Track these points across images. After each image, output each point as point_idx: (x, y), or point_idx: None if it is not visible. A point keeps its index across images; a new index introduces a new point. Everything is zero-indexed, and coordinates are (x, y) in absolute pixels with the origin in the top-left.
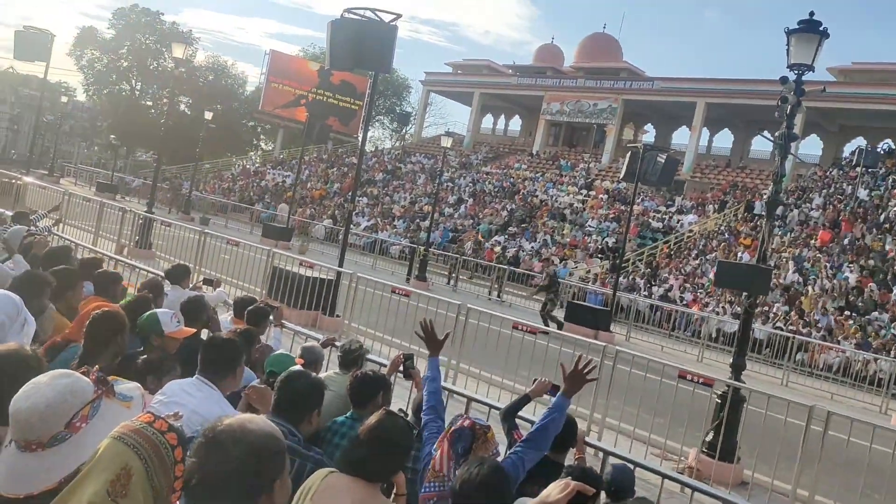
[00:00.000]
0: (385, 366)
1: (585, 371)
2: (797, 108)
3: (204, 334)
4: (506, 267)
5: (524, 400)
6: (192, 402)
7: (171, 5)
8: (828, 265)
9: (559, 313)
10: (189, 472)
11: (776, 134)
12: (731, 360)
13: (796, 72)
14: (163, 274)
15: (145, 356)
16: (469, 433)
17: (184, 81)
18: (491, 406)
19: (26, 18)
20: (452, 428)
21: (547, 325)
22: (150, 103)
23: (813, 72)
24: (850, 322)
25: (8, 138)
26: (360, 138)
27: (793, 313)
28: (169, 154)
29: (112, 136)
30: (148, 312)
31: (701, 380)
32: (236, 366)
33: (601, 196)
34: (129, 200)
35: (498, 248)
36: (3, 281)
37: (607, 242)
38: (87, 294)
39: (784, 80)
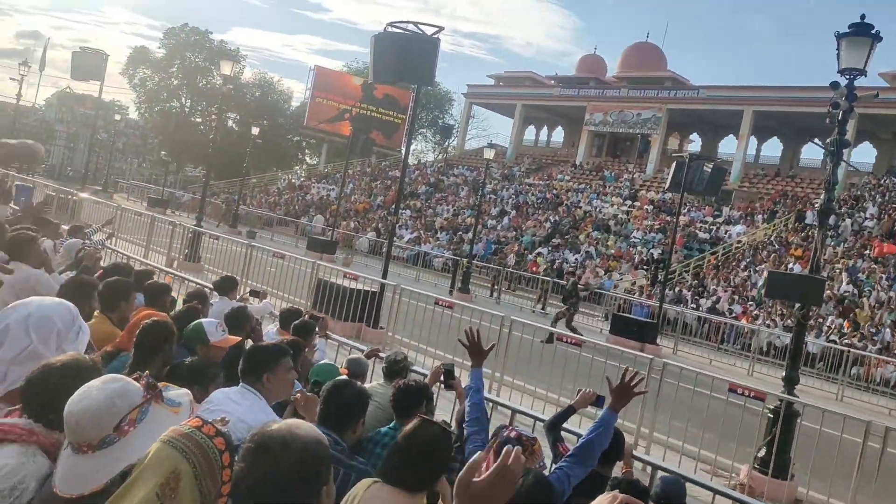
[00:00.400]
0: (425, 375)
1: (633, 384)
2: (849, 113)
3: (248, 345)
4: (549, 279)
5: (569, 411)
6: (237, 410)
7: (220, 24)
8: (883, 276)
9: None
10: (237, 477)
11: (827, 141)
12: (782, 374)
13: (847, 77)
14: (210, 286)
15: (189, 363)
16: (515, 444)
17: (231, 98)
18: (535, 418)
19: (82, 41)
20: (498, 439)
21: (577, 332)
22: (199, 120)
23: (865, 76)
24: None
25: (65, 156)
26: (403, 151)
27: (847, 326)
28: (217, 169)
29: (163, 153)
30: (194, 322)
31: (752, 394)
32: (276, 367)
33: (646, 207)
34: (179, 214)
35: (541, 260)
36: (49, 290)
37: (652, 254)
38: (138, 305)
39: (835, 85)
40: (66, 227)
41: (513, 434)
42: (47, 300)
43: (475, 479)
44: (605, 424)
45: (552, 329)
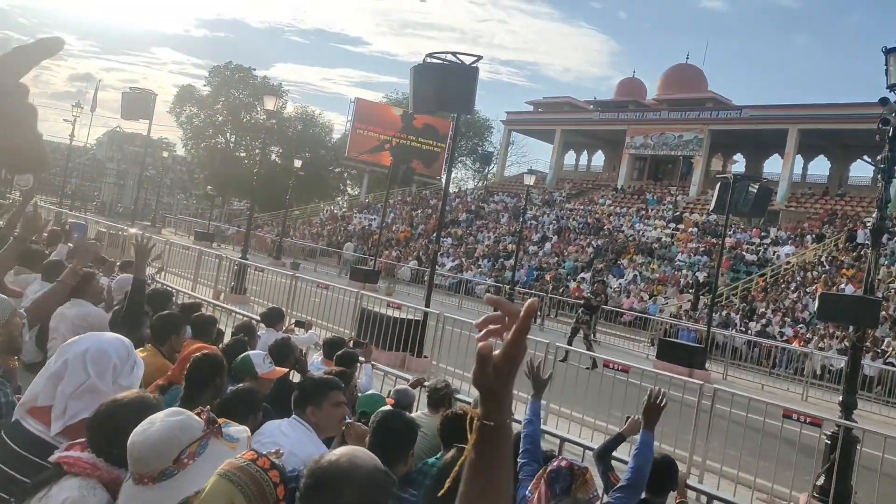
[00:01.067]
0: (469, 403)
1: (658, 402)
2: None
3: (295, 376)
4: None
5: (618, 439)
6: (287, 442)
7: (263, 61)
8: None
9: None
10: None
11: (878, 158)
12: (838, 399)
13: None
14: (258, 317)
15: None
16: (567, 473)
17: (274, 132)
18: (584, 446)
19: (131, 82)
20: (549, 468)
21: (591, 349)
22: (243, 154)
23: None
24: None
25: (115, 193)
26: (443, 180)
27: None
28: (261, 202)
29: (209, 187)
30: (242, 355)
31: (808, 419)
32: (321, 400)
33: (690, 229)
34: (225, 247)
35: (585, 286)
36: (101, 324)
37: (698, 277)
38: (186, 337)
39: (884, 101)
40: (117, 263)
41: (563, 463)
42: (103, 335)
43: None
44: (646, 445)
45: (588, 342)
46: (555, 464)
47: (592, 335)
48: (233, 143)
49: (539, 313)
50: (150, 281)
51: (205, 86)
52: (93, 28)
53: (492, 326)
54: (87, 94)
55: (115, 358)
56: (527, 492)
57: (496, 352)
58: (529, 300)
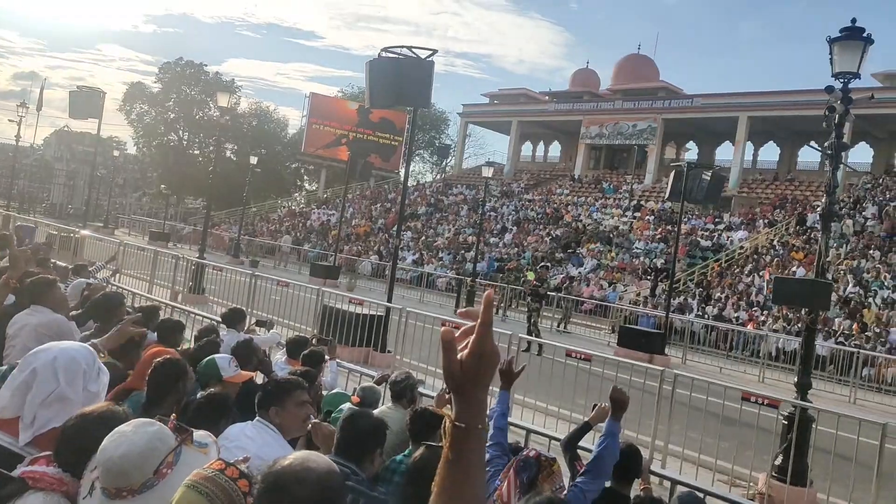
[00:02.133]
0: (432, 398)
1: (621, 397)
2: (845, 116)
3: (259, 377)
4: (553, 294)
5: (585, 428)
6: (252, 445)
7: (214, 56)
8: (889, 276)
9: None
10: None
11: (825, 144)
12: (794, 379)
13: (842, 80)
14: (219, 318)
15: (200, 398)
16: (534, 463)
17: (229, 129)
18: (550, 437)
19: (78, 80)
20: (518, 458)
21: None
22: (197, 152)
23: (859, 79)
24: None
25: (65, 194)
26: (401, 174)
27: (855, 327)
28: (217, 199)
29: (162, 186)
30: (206, 359)
31: (766, 401)
32: (284, 400)
33: (647, 217)
34: (181, 247)
35: (531, 274)
36: (69, 334)
37: (655, 264)
38: (150, 341)
39: (830, 89)
40: (69, 267)
41: (532, 454)
42: (67, 343)
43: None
44: (611, 435)
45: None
46: (523, 454)
47: (563, 324)
48: (186, 140)
49: (501, 304)
50: (105, 284)
51: (155, 82)
52: (37, 25)
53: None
54: (33, 93)
55: (83, 365)
56: (497, 481)
57: (463, 350)
58: (486, 292)
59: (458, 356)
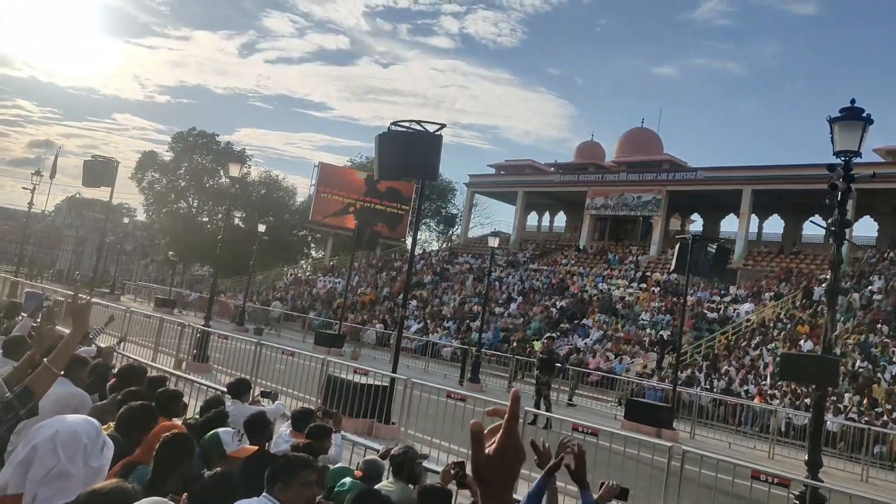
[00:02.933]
0: (437, 472)
1: (575, 451)
2: (847, 194)
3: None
4: (561, 366)
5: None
6: None
7: (226, 127)
8: None
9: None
10: None
11: (829, 221)
12: (804, 456)
13: (843, 158)
14: (224, 388)
15: (207, 478)
16: None
17: (238, 197)
18: None
19: (92, 148)
20: None
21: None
22: (206, 219)
23: (860, 157)
24: None
25: (72, 260)
26: (408, 242)
27: (865, 403)
28: (223, 267)
29: (170, 253)
30: (210, 433)
31: (776, 480)
32: (290, 479)
33: (653, 289)
34: (186, 314)
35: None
36: (84, 406)
37: (661, 335)
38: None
39: (832, 167)
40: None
41: None
42: (71, 417)
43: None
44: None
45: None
46: None
47: (567, 395)
48: (195, 207)
49: (514, 377)
50: (112, 352)
51: (167, 151)
52: (53, 95)
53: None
54: (47, 161)
55: (85, 439)
56: None
57: (491, 445)
58: (513, 390)
59: (487, 450)
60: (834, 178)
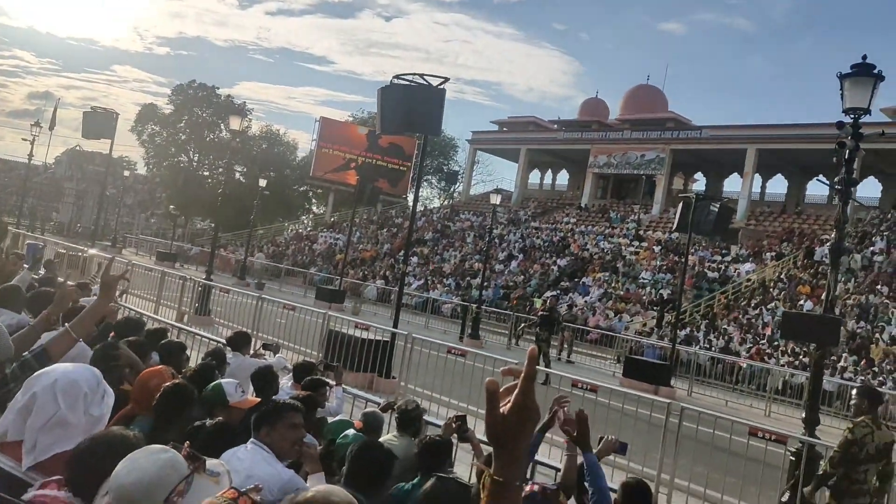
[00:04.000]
0: (439, 426)
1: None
2: (855, 152)
3: None
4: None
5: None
6: (243, 466)
7: (226, 80)
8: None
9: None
10: None
11: (835, 179)
12: (801, 414)
13: (852, 116)
14: (224, 341)
15: (209, 427)
16: (542, 500)
17: (239, 151)
18: (556, 469)
19: (91, 100)
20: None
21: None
22: (206, 173)
23: (869, 115)
24: None
25: (73, 213)
26: (409, 199)
27: (863, 363)
28: (225, 221)
29: (171, 206)
30: (213, 383)
31: (773, 437)
32: (275, 422)
33: (654, 247)
34: (188, 268)
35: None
36: (83, 357)
37: (661, 294)
38: (154, 363)
39: (840, 125)
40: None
41: (536, 488)
42: (70, 366)
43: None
44: (593, 466)
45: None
46: (528, 489)
47: (565, 352)
48: (196, 161)
49: (514, 334)
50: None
51: (167, 104)
52: (52, 46)
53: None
54: (46, 112)
55: (85, 388)
56: None
57: (506, 404)
58: (530, 348)
59: (501, 409)
60: (842, 136)
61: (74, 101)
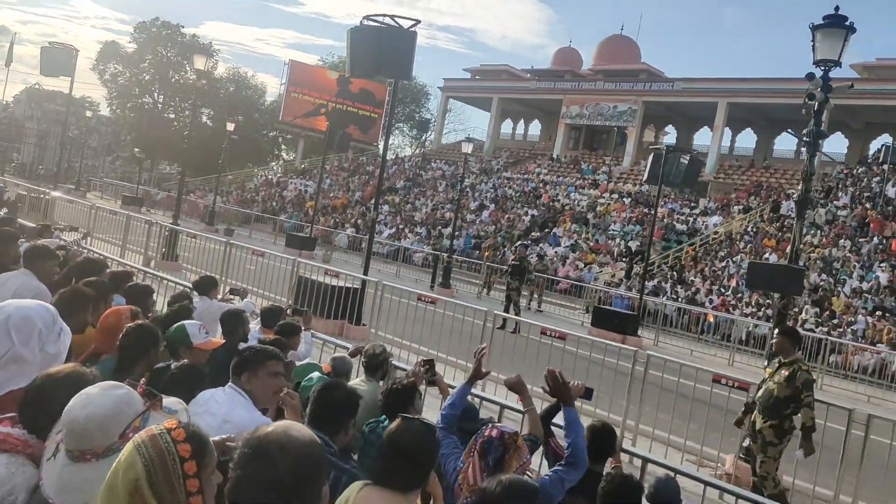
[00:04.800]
0: (405, 370)
1: (562, 380)
2: (825, 104)
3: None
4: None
5: (557, 406)
6: (220, 410)
7: (191, 18)
8: (858, 265)
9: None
10: (236, 484)
11: (804, 131)
12: (762, 363)
13: (823, 68)
14: (191, 285)
15: (175, 369)
16: (499, 444)
17: (205, 93)
18: (524, 412)
19: (50, 36)
20: (479, 439)
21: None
22: (172, 116)
23: (840, 67)
24: (885, 323)
25: (35, 154)
26: (380, 146)
27: (824, 315)
28: (192, 166)
29: (136, 150)
30: (176, 324)
31: (736, 384)
32: (257, 368)
33: (624, 199)
34: (154, 213)
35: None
36: (30, 292)
37: (630, 246)
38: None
39: (811, 76)
40: (33, 226)
41: (494, 433)
42: (25, 302)
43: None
44: (573, 422)
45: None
46: (485, 433)
47: (535, 302)
48: (161, 103)
49: (486, 284)
50: (76, 247)
51: (130, 42)
52: None
53: None
54: (2, 48)
55: (39, 324)
56: (459, 462)
57: None
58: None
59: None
60: (812, 88)
61: (32, 38)
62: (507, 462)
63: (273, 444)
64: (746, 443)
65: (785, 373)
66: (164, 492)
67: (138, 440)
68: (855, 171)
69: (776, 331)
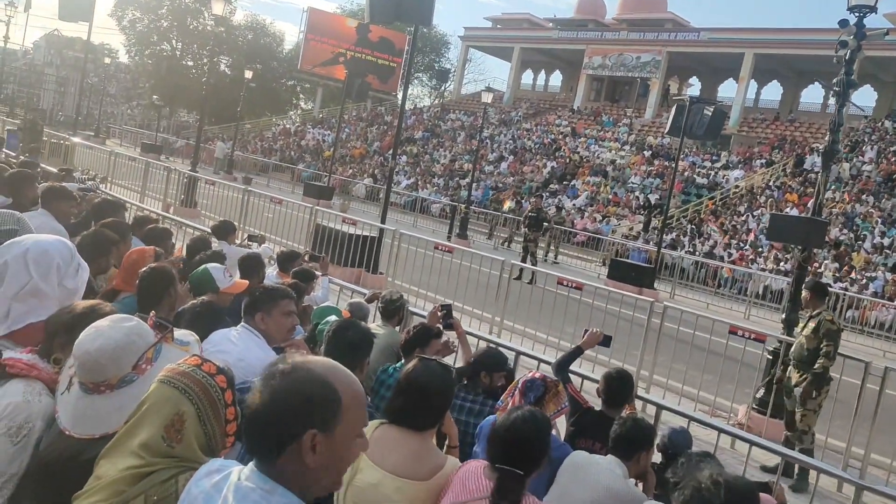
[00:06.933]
0: (424, 317)
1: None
2: (857, 52)
3: None
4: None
5: (576, 352)
6: (235, 349)
7: None
8: (880, 221)
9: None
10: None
11: (834, 80)
12: (778, 317)
13: (857, 14)
14: (209, 230)
15: (195, 306)
16: (541, 384)
17: (223, 41)
18: (539, 360)
19: None
20: (522, 380)
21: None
22: (190, 63)
23: (875, 13)
24: None
25: (55, 100)
26: (399, 96)
27: (845, 270)
28: (210, 114)
29: (154, 97)
30: (201, 268)
31: (752, 336)
32: (271, 307)
33: (644, 152)
34: (173, 160)
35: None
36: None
37: (649, 199)
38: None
39: (844, 23)
40: (55, 171)
41: (538, 376)
42: (43, 236)
43: None
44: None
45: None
46: (529, 375)
47: (552, 254)
48: (179, 50)
49: (495, 234)
50: (94, 190)
51: None
52: None
53: None
54: None
55: (57, 258)
56: (499, 402)
57: None
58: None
59: None
60: (845, 35)
61: None
62: (546, 402)
63: (284, 369)
64: (760, 394)
65: (812, 325)
66: (212, 422)
67: (166, 377)
68: (881, 125)
69: (803, 286)
